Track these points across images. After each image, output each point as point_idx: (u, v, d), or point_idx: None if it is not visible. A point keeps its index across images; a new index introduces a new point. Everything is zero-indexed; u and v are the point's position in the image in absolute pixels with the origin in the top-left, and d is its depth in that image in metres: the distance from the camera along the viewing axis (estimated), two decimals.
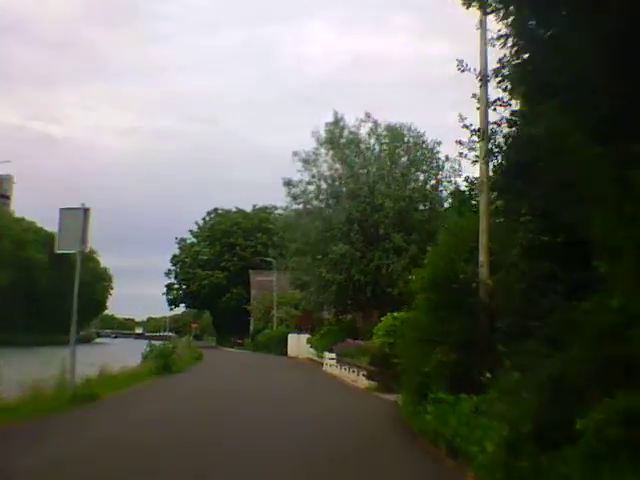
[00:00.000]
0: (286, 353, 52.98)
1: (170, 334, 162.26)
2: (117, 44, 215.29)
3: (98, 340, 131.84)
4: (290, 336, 53.45)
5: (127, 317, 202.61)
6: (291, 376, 30.58)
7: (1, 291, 79.98)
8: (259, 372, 32.59)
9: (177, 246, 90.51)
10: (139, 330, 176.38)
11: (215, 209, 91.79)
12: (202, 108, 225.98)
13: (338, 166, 36.79)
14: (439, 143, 35.98)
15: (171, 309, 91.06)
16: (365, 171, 36.02)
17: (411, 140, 36.53)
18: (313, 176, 37.08)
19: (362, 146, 36.84)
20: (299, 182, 37.37)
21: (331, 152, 36.73)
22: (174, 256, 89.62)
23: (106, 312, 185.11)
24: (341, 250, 34.29)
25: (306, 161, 37.10)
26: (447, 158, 35.24)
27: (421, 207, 36.46)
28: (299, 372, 33.49)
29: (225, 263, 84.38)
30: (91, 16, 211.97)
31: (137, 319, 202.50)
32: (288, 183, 37.45)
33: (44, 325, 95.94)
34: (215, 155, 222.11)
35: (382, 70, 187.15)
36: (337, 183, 36.86)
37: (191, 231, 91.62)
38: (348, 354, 30.41)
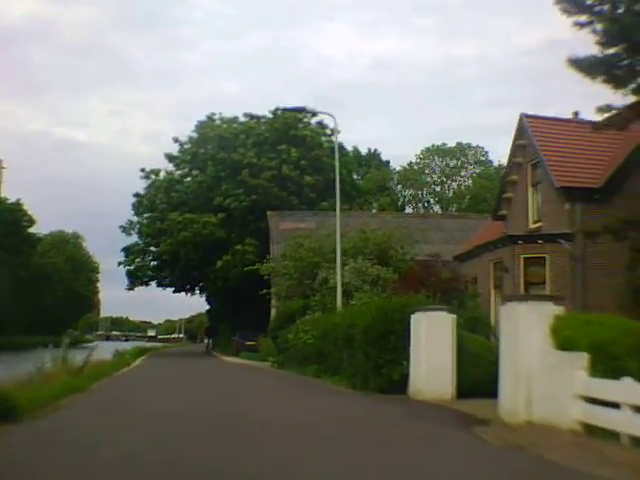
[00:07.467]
0: (404, 389, 14.31)
1: (182, 336, 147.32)
2: (141, 49, 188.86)
3: (94, 344, 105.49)
4: (425, 321, 13.65)
5: (143, 320, 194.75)
6: None
7: None
8: None
9: (144, 183, 50.87)
10: (151, 332, 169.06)
11: (210, 116, 50.35)
12: (226, 112, 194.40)
13: None
14: None
15: (130, 289, 51.59)
16: None
17: None
18: None
19: None
20: None
21: None
22: (136, 196, 50.33)
23: (123, 315, 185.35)
24: None
25: None
26: None
27: None
28: None
29: (222, 199, 44.77)
30: (113, 21, 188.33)
31: (155, 322, 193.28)
32: None
33: None
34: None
35: None
36: None
37: (168, 155, 50.52)
38: None
